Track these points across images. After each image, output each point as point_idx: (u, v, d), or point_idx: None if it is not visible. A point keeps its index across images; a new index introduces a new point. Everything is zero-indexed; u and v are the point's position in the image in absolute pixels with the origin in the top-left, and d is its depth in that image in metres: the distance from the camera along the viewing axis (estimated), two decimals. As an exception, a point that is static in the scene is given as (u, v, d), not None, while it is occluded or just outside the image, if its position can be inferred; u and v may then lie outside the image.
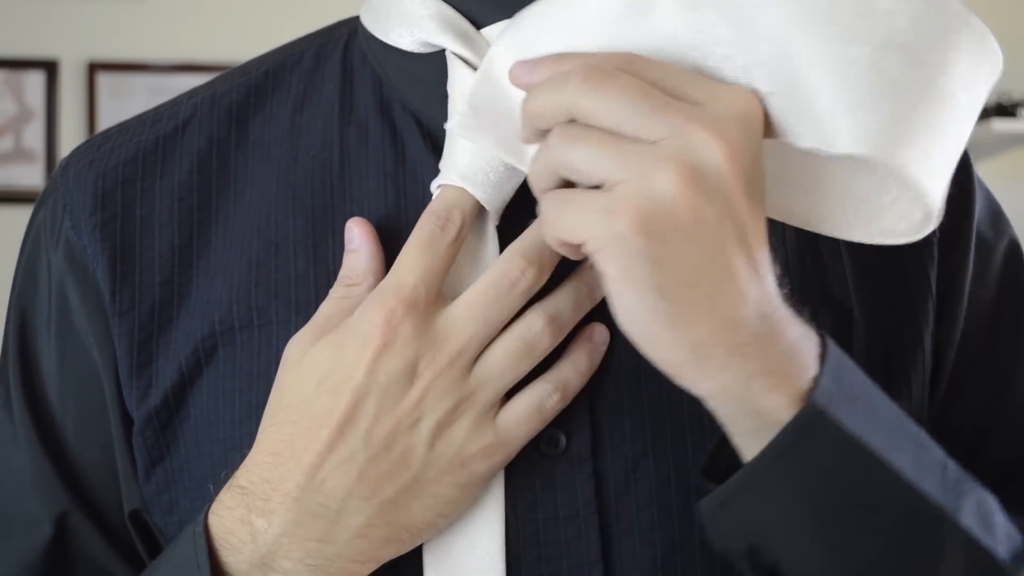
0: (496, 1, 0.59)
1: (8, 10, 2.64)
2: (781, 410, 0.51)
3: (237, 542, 0.56)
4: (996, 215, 0.69)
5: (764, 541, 0.54)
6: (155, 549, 0.65)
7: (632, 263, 0.48)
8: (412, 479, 0.55)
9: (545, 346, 0.57)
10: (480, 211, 0.58)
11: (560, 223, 0.51)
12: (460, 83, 0.58)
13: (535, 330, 0.56)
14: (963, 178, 0.66)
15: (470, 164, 0.57)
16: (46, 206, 0.66)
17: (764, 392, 0.51)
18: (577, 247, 0.51)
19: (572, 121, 0.51)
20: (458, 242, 0.57)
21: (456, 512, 0.57)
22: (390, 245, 0.59)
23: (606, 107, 0.50)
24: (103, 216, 0.64)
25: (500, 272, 0.56)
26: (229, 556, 0.56)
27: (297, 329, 0.59)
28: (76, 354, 0.65)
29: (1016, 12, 2.81)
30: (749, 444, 0.53)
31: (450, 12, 0.60)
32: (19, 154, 2.64)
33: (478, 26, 0.60)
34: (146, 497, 0.63)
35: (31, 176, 2.63)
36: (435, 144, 0.62)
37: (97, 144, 0.67)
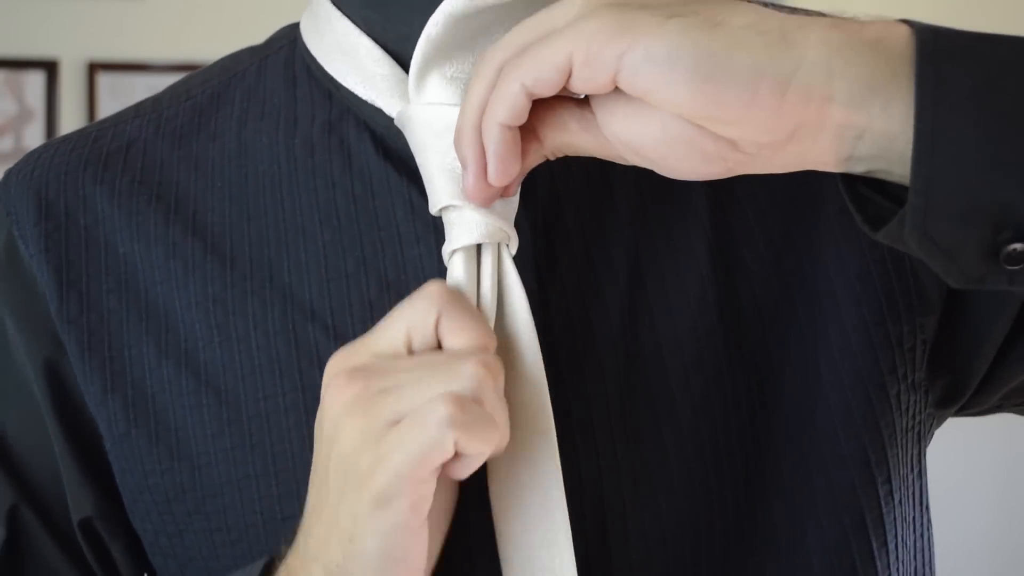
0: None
1: (8, 10, 2.64)
2: (901, 43, 0.48)
3: None
4: None
5: (1004, 186, 0.46)
6: (107, 559, 0.64)
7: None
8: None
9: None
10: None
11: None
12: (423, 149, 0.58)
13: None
14: None
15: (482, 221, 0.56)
16: None
17: (870, 43, 0.48)
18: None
19: None
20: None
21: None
22: (347, 255, 0.60)
23: None
24: (47, 226, 0.64)
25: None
26: None
27: (256, 344, 0.60)
28: (12, 363, 0.64)
29: (1016, 12, 2.81)
30: (897, 104, 0.47)
31: (403, 75, 0.60)
32: (19, 154, 2.64)
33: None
34: (126, 502, 0.63)
35: (31, 176, 2.63)
36: (387, 150, 0.62)
37: (38, 154, 0.67)
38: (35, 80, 2.64)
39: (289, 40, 0.68)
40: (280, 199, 0.63)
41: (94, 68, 2.66)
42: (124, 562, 0.65)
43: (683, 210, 0.62)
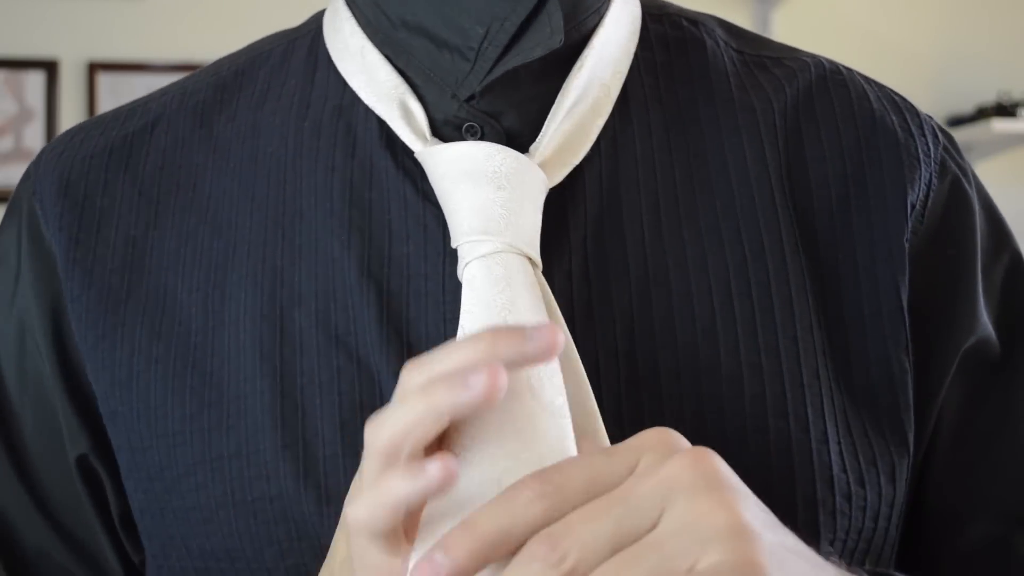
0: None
1: (8, 10, 2.64)
2: None
3: None
4: (996, 228, 0.67)
5: None
6: (100, 495, 0.65)
7: None
8: None
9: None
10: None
11: None
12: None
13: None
14: (958, 197, 0.65)
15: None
16: (24, 186, 0.68)
17: None
18: None
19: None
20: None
21: None
22: (335, 239, 0.61)
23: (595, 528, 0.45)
24: (65, 204, 0.65)
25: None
26: None
27: (243, 328, 0.61)
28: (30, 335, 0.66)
29: (1016, 12, 2.80)
30: None
31: (400, 82, 0.62)
32: (19, 154, 2.64)
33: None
34: (123, 481, 0.64)
35: (31, 176, 2.63)
36: (391, 140, 0.63)
37: (71, 135, 0.69)
38: (35, 80, 2.64)
39: (318, 24, 0.69)
40: (283, 181, 0.64)
41: (94, 68, 2.66)
42: (116, 504, 0.65)
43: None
